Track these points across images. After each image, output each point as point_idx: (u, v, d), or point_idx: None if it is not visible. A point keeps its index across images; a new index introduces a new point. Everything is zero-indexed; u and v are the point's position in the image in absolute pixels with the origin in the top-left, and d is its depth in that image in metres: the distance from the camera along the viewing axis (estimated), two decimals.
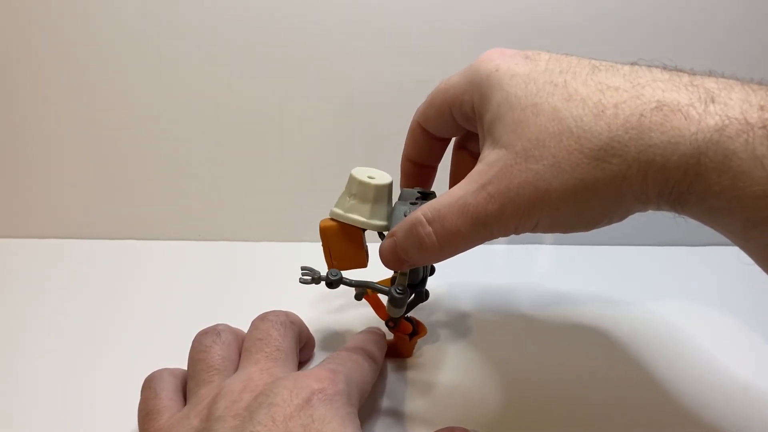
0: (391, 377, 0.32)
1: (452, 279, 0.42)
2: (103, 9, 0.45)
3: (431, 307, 0.39)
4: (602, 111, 0.21)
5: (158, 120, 0.48)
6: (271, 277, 0.43)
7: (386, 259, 0.27)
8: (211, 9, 0.45)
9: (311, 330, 0.33)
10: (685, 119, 0.20)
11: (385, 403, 0.30)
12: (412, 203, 0.30)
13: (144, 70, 0.47)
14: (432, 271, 0.34)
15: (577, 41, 0.46)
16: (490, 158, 0.24)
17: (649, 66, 0.23)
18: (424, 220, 0.25)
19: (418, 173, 0.32)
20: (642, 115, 0.20)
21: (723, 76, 0.21)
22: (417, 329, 0.34)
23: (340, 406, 0.23)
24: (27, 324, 0.37)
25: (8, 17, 0.45)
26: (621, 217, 0.23)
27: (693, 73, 0.22)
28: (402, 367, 0.33)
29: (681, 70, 0.22)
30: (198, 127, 0.49)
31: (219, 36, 0.46)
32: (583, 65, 0.23)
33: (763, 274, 0.21)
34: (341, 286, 0.30)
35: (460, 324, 0.38)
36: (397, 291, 0.27)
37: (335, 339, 0.36)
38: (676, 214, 0.22)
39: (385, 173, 0.31)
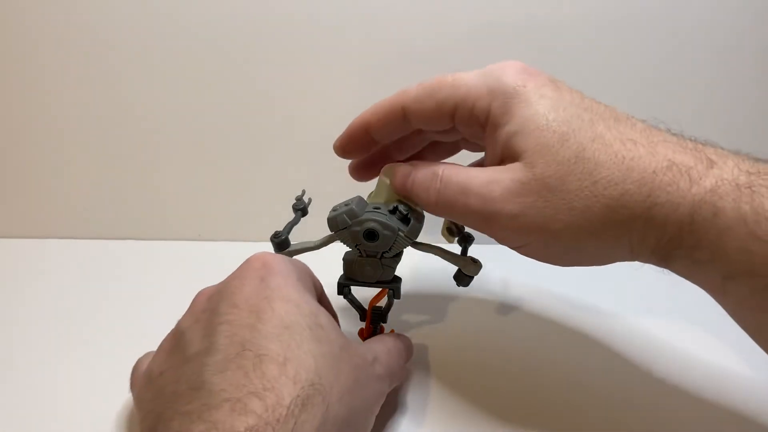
0: None
1: (436, 280, 0.42)
2: (104, 10, 0.45)
3: (409, 309, 0.39)
4: (621, 161, 0.22)
5: (158, 120, 0.48)
6: None
7: (397, 181, 0.28)
8: (213, 10, 0.45)
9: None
10: (689, 180, 0.22)
11: None
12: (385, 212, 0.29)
13: (144, 70, 0.47)
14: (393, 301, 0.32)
15: (573, 42, 0.46)
16: (510, 168, 0.24)
17: (657, 127, 0.24)
18: (440, 178, 0.26)
19: (365, 144, 0.31)
20: (655, 172, 0.22)
21: (719, 147, 0.23)
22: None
23: (288, 276, 0.25)
24: (27, 324, 0.37)
25: (10, 18, 0.45)
26: (606, 263, 0.25)
27: (695, 140, 0.24)
28: None
29: (684, 137, 0.24)
30: (198, 128, 0.49)
31: (219, 37, 0.46)
32: (604, 110, 0.24)
33: None
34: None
35: (441, 329, 0.38)
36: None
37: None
38: (661, 269, 0.24)
39: None
